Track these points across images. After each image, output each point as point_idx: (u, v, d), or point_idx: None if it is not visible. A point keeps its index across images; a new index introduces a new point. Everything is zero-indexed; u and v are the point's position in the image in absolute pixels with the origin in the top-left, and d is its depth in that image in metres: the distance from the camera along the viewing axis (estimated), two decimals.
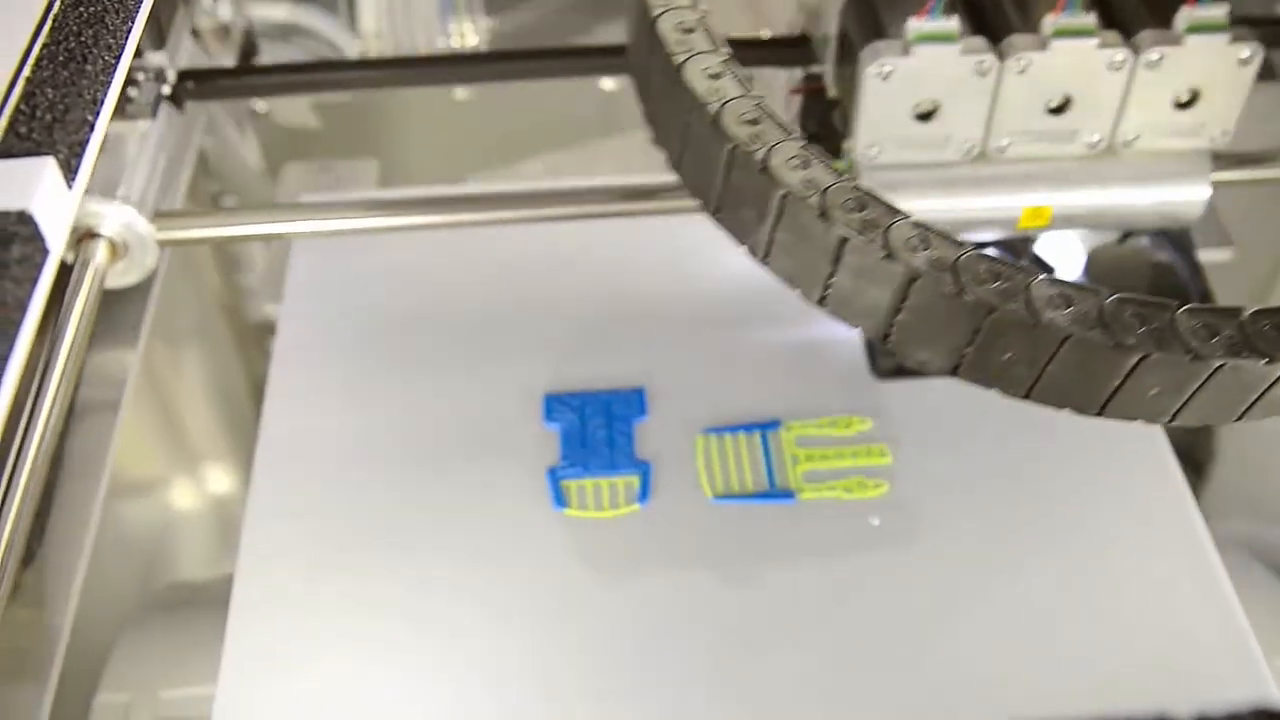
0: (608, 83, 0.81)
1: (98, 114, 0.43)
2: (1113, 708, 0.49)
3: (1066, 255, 0.62)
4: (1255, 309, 0.40)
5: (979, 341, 0.40)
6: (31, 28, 0.44)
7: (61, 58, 0.43)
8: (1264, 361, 0.39)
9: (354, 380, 0.61)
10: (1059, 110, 0.54)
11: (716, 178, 0.43)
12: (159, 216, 0.58)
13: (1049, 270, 0.61)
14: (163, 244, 0.58)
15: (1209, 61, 0.53)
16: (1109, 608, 0.52)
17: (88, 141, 0.42)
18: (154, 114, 0.64)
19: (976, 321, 0.39)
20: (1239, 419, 0.42)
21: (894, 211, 0.40)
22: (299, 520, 0.55)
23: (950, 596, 0.52)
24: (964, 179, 0.56)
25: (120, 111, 0.62)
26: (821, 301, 0.43)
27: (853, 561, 0.53)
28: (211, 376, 0.82)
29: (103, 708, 0.56)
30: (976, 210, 0.55)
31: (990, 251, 0.40)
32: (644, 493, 0.56)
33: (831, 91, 0.60)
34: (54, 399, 0.50)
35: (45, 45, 0.44)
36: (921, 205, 0.55)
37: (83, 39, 0.44)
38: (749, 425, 0.58)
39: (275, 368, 0.61)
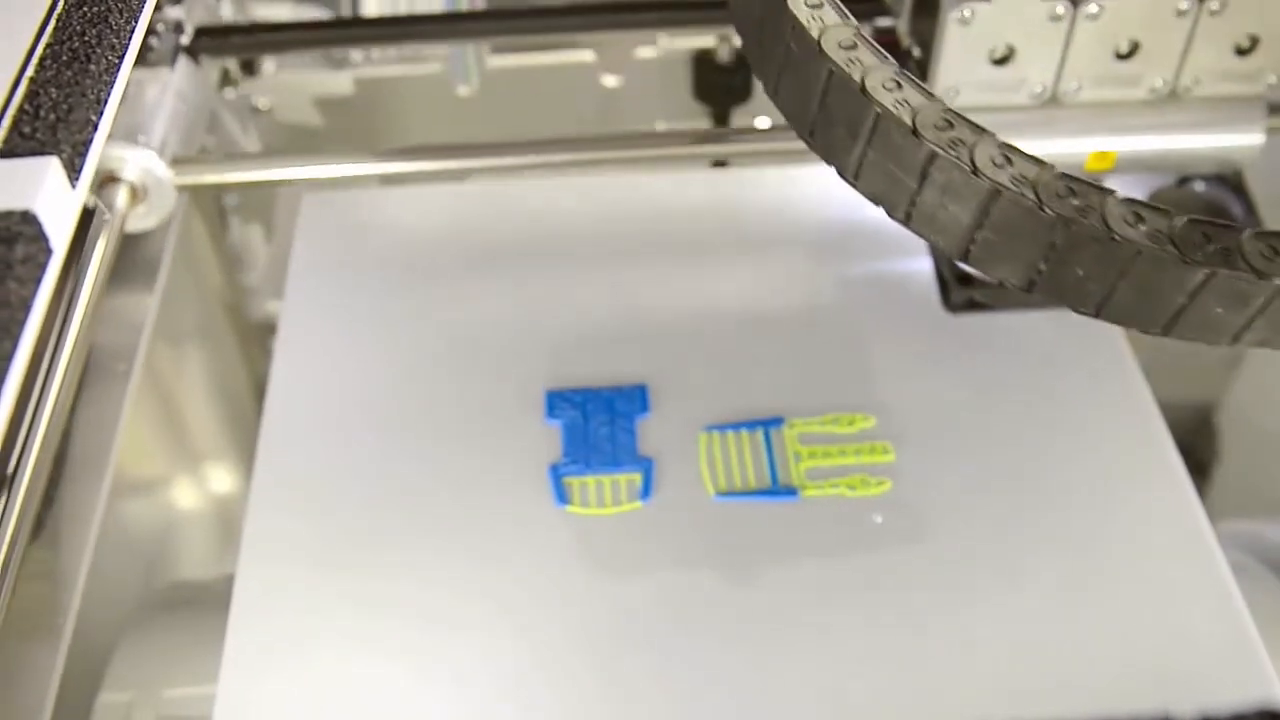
0: (609, 80, 0.81)
1: (101, 113, 0.43)
2: (1117, 708, 0.49)
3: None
4: (1192, 217, 0.41)
5: (1055, 257, 0.42)
6: (35, 27, 0.44)
7: (65, 57, 0.43)
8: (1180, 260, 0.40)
9: (356, 377, 0.61)
10: (1127, 56, 0.57)
11: (813, 101, 0.45)
12: (177, 162, 0.61)
13: None
14: (181, 188, 0.61)
15: (1268, 9, 0.55)
16: (1113, 607, 0.52)
17: (91, 141, 0.42)
18: (172, 63, 0.65)
19: (1053, 236, 0.41)
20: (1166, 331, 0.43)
21: (980, 131, 0.42)
22: (300, 518, 0.55)
23: (953, 595, 0.52)
24: (1034, 122, 0.59)
25: (141, 60, 0.64)
26: (907, 219, 0.45)
27: (855, 559, 0.53)
28: (213, 375, 0.82)
29: (105, 707, 0.56)
30: (1046, 154, 0.59)
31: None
32: (646, 490, 0.56)
33: (904, 43, 0.63)
34: (75, 342, 0.51)
35: (49, 45, 0.44)
36: None
37: (86, 39, 0.44)
38: (751, 422, 0.58)
39: (277, 363, 0.61)
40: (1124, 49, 0.57)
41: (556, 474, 0.56)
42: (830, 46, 0.43)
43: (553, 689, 0.50)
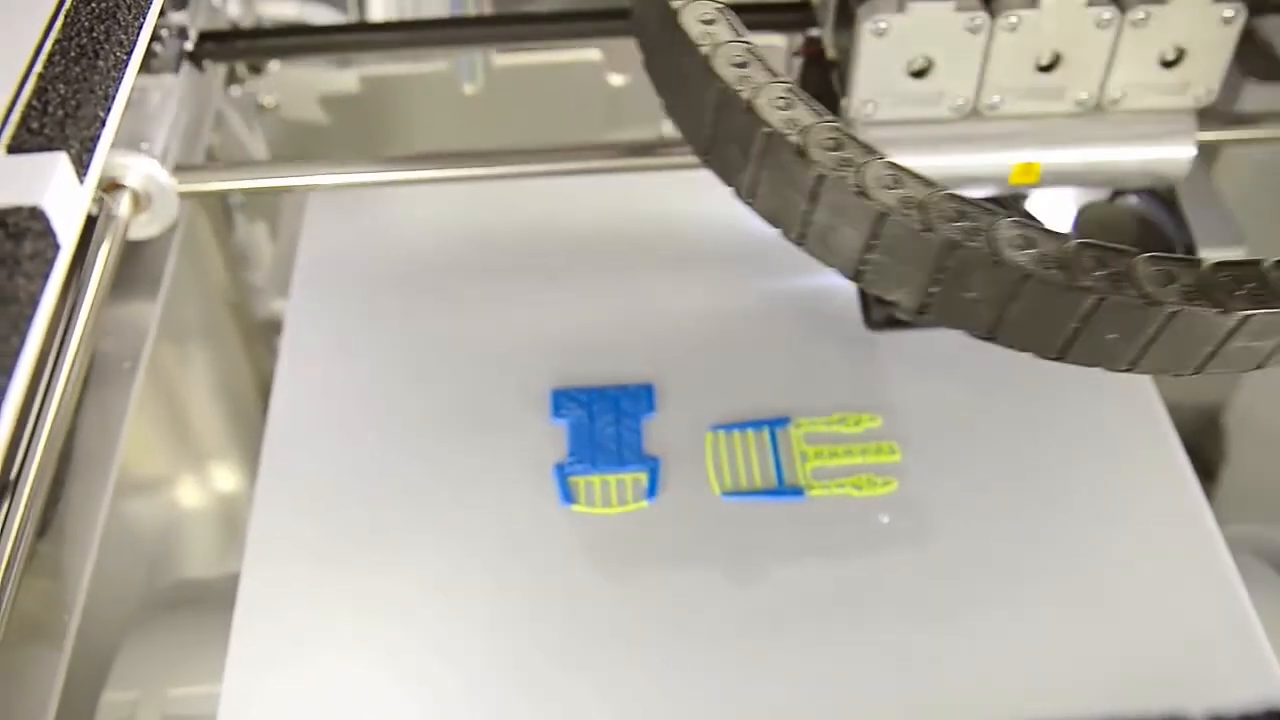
0: (616, 78, 0.81)
1: (109, 109, 0.43)
2: (1124, 709, 0.49)
3: (1058, 213, 0.65)
4: (1217, 260, 0.40)
5: (945, 279, 0.41)
6: (44, 23, 0.44)
7: (74, 53, 0.43)
8: (1217, 311, 0.39)
9: (361, 376, 0.61)
10: (1048, 68, 0.56)
11: (706, 119, 0.44)
12: (180, 169, 0.61)
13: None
14: (183, 195, 0.60)
15: (1193, 20, 0.54)
16: (1120, 608, 0.52)
17: (99, 137, 0.42)
18: (176, 69, 0.65)
19: (942, 259, 0.40)
20: (1197, 370, 0.43)
21: (869, 151, 0.42)
22: (306, 517, 0.55)
23: (960, 595, 0.52)
24: (956, 136, 0.58)
25: (144, 67, 0.64)
26: (800, 240, 0.44)
27: (862, 560, 0.53)
28: (218, 374, 0.82)
29: (109, 705, 0.56)
30: (968, 167, 0.58)
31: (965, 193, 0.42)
32: (652, 489, 0.56)
33: (830, 53, 0.62)
34: (76, 350, 0.51)
35: (57, 41, 0.44)
36: (915, 162, 0.59)
37: (95, 34, 0.44)
38: (758, 422, 0.58)
39: (283, 362, 0.61)
40: (1045, 60, 0.56)
41: (562, 473, 0.56)
42: (721, 64, 0.43)
43: (559, 688, 0.50)
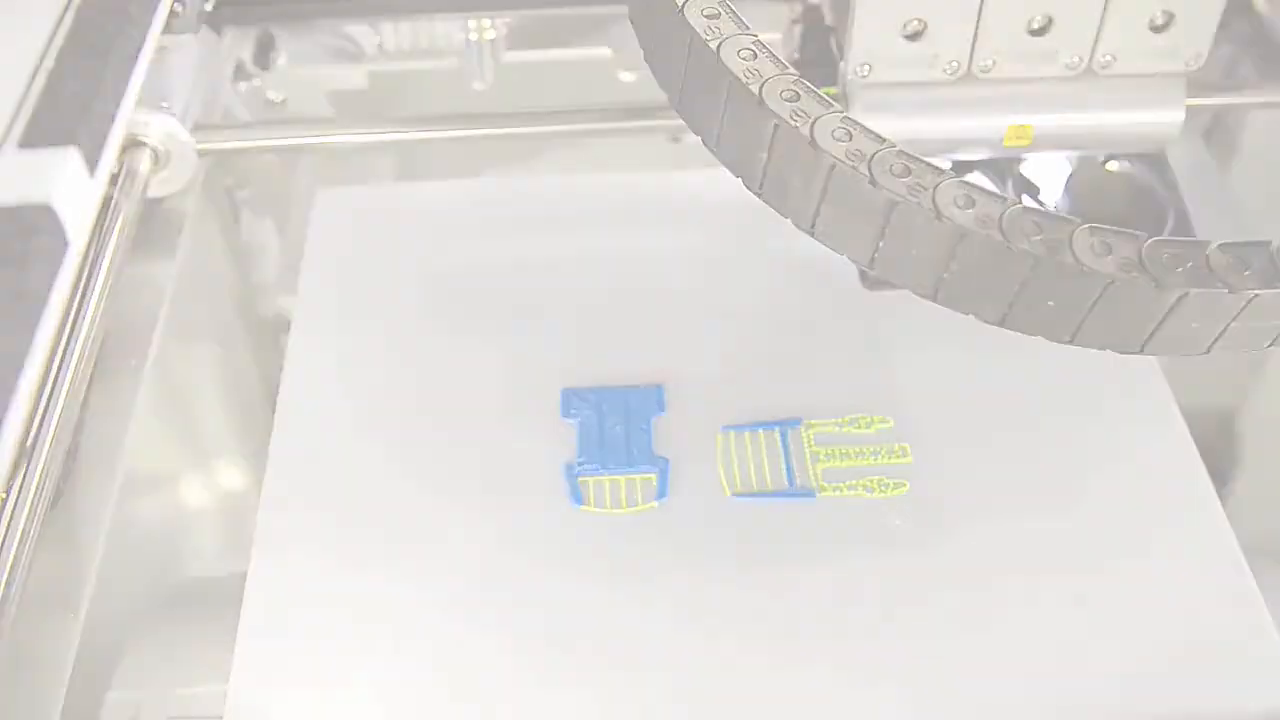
0: (626, 75, 0.81)
1: (120, 104, 0.43)
2: (1139, 712, 0.48)
3: (1052, 177, 0.66)
4: (1158, 238, 0.40)
5: (888, 235, 0.42)
6: (54, 18, 0.44)
7: (84, 48, 0.43)
8: (1153, 285, 0.39)
9: (369, 374, 0.61)
10: (1040, 31, 0.57)
11: (680, 70, 0.45)
12: (199, 128, 0.63)
13: (1035, 190, 0.65)
14: (202, 154, 0.63)
15: None
16: (1134, 611, 0.51)
17: (110, 132, 0.42)
18: (197, 29, 0.67)
19: (886, 214, 0.41)
20: (1142, 350, 0.43)
21: (828, 105, 0.42)
22: (313, 515, 0.55)
23: (972, 598, 0.52)
24: (950, 99, 0.59)
25: (165, 27, 0.65)
26: (760, 189, 0.45)
27: (872, 561, 0.53)
28: (225, 371, 0.81)
29: (115, 704, 0.56)
30: (962, 129, 0.60)
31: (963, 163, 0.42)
32: (662, 490, 0.55)
33: (828, 19, 0.64)
34: (96, 306, 0.52)
35: (68, 35, 0.43)
36: (911, 125, 0.60)
37: (105, 29, 0.44)
38: (769, 423, 0.58)
39: (290, 361, 0.61)
40: (1037, 24, 0.57)
41: (572, 473, 0.56)
42: (693, 13, 0.44)
43: (568, 689, 0.49)
